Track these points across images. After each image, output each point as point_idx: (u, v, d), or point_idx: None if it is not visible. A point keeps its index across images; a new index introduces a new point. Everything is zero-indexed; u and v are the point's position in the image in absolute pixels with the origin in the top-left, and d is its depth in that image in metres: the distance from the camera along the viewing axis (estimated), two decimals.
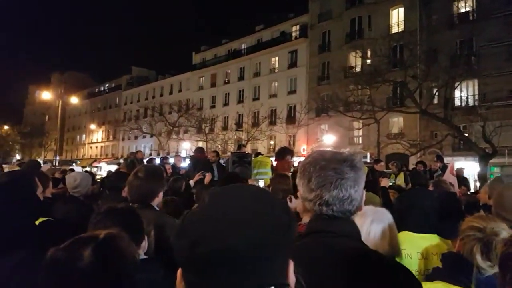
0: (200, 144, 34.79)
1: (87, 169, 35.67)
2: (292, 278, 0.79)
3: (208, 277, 0.69)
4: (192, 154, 22.93)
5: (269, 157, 10.49)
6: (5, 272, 1.88)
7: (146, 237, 1.97)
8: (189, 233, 0.72)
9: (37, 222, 2.46)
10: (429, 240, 2.46)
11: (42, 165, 9.39)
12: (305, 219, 3.23)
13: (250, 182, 6.25)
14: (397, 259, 2.13)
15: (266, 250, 0.70)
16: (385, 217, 2.17)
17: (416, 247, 2.41)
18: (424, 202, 2.57)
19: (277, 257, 0.73)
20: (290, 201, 3.90)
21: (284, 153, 8.30)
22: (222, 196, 0.79)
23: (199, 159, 9.31)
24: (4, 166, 19.36)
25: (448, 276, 1.74)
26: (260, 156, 10.46)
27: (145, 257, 1.91)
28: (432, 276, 1.98)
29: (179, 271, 0.77)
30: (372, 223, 2.09)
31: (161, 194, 2.77)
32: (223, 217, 0.72)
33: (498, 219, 2.55)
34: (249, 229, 0.70)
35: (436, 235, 2.52)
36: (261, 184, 7.49)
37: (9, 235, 2.02)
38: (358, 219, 2.06)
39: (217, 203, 0.76)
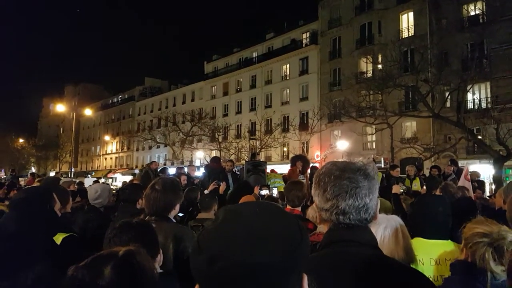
0: (214, 153, 35.18)
1: (102, 180, 36.11)
2: None
3: None
4: (206, 163, 23.15)
5: (283, 164, 10.79)
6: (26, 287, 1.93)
7: (161, 251, 1.97)
8: (206, 249, 0.74)
9: (60, 238, 2.49)
10: (443, 247, 2.44)
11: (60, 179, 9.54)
12: (321, 228, 3.44)
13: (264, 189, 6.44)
14: (412, 266, 2.14)
15: (281, 266, 0.72)
16: (398, 224, 2.18)
17: (428, 253, 2.39)
18: (438, 209, 2.55)
19: (291, 272, 0.75)
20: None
21: (294, 160, 8.54)
22: (237, 213, 0.81)
23: (214, 168, 9.38)
24: (20, 179, 19.66)
25: (464, 284, 1.75)
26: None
27: (160, 271, 1.90)
28: (446, 286, 1.99)
29: None
30: (386, 230, 2.11)
31: (177, 207, 2.77)
32: (240, 233, 0.74)
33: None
34: (266, 246, 0.72)
35: (450, 241, 2.50)
36: (275, 191, 7.65)
37: (25, 250, 2.06)
38: (371, 227, 2.14)
39: (232, 220, 0.79)
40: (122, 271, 1.18)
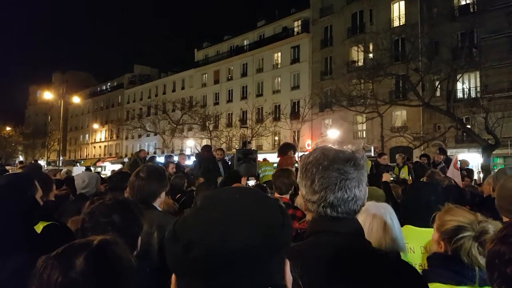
0: (205, 141, 35.04)
1: (92, 168, 35.86)
2: (289, 278, 0.79)
3: (203, 280, 0.69)
4: (196, 151, 23.04)
5: (274, 152, 10.70)
6: (4, 277, 1.87)
7: (139, 236, 1.92)
8: (183, 236, 0.71)
9: (40, 226, 2.42)
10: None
11: (45, 167, 9.36)
12: (310, 216, 3.41)
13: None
14: (402, 254, 2.13)
15: (261, 250, 0.70)
16: (387, 212, 2.15)
17: (419, 241, 2.37)
18: (430, 197, 2.54)
19: (272, 257, 0.73)
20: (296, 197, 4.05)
21: (286, 149, 8.49)
22: (214, 199, 0.79)
23: (205, 157, 9.38)
24: (7, 167, 19.37)
25: (446, 277, 1.73)
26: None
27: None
28: (424, 278, 2.00)
29: (172, 279, 0.76)
30: (374, 218, 2.07)
31: (163, 194, 2.75)
32: (216, 219, 0.72)
33: (502, 213, 2.55)
34: (244, 230, 0.70)
35: None
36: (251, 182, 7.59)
37: (5, 239, 1.98)
38: (360, 214, 2.02)
39: (210, 206, 0.76)
40: (95, 262, 1.13)
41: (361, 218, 1.97)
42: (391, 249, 2.02)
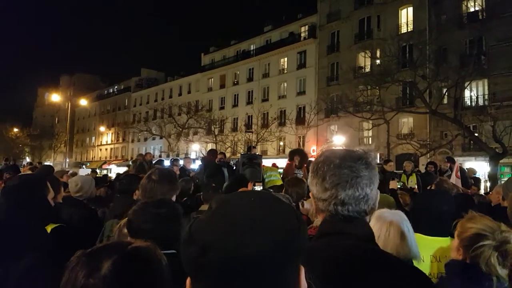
0: (210, 146, 35.05)
1: (98, 171, 35.93)
2: (304, 285, 0.78)
3: (217, 284, 0.68)
4: (201, 155, 23.00)
5: (279, 158, 10.60)
6: (16, 277, 1.90)
7: None
8: (198, 240, 0.71)
9: (49, 228, 2.43)
10: (443, 243, 2.41)
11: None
12: (317, 221, 3.36)
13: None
14: (414, 262, 2.10)
15: (276, 256, 0.69)
16: (403, 219, 2.16)
17: (429, 250, 2.36)
18: (441, 206, 2.52)
19: (287, 263, 0.72)
20: (303, 206, 4.04)
21: (292, 155, 8.51)
22: (230, 202, 0.78)
23: (210, 161, 9.40)
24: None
25: (463, 286, 1.71)
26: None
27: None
28: (441, 285, 1.92)
29: (187, 282, 0.76)
30: (391, 226, 2.08)
31: (174, 198, 2.76)
32: (233, 223, 0.71)
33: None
34: (259, 236, 0.69)
35: (449, 237, 2.44)
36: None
37: (19, 239, 2.01)
38: (376, 221, 2.05)
39: (226, 210, 0.75)
40: (121, 268, 1.04)
41: (377, 225, 2.03)
42: (407, 256, 2.03)
